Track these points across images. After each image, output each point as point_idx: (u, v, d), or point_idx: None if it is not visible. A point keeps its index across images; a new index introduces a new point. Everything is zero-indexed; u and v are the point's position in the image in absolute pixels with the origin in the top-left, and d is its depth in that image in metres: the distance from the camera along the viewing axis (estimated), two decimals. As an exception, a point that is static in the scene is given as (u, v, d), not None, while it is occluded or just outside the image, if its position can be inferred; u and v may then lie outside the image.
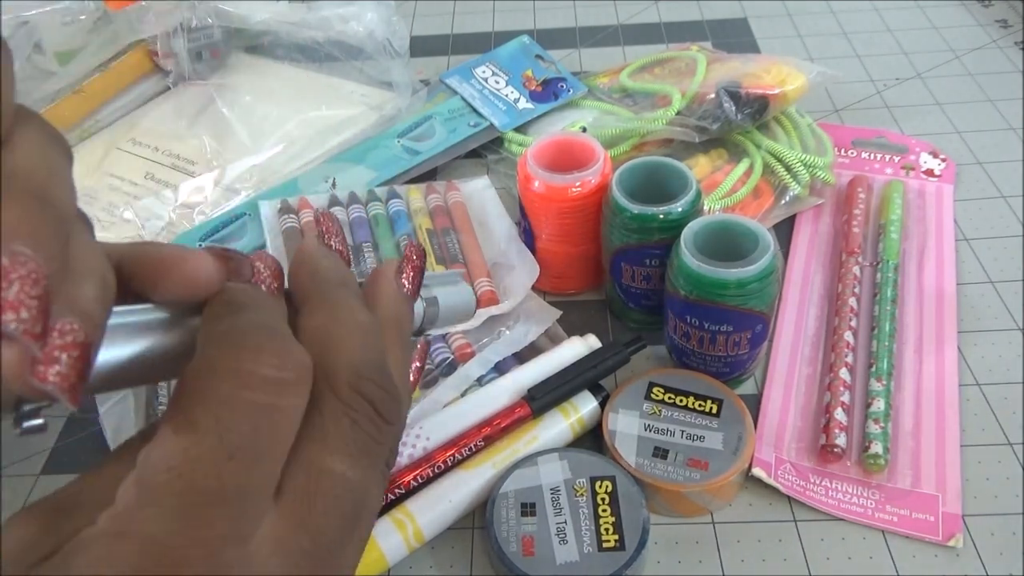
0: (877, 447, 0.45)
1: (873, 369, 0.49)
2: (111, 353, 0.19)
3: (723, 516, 0.44)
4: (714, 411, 0.46)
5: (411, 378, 0.26)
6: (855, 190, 0.60)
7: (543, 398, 0.46)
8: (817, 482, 0.45)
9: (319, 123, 0.69)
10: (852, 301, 0.53)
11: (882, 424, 0.46)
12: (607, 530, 0.41)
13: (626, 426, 0.45)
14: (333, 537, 0.19)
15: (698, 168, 0.61)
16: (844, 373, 0.48)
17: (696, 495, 0.43)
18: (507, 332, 0.52)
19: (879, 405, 0.47)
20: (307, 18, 0.71)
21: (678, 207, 0.48)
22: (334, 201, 0.61)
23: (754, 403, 0.49)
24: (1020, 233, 0.58)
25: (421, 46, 0.82)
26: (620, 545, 0.40)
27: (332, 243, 0.26)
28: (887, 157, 0.65)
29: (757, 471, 0.44)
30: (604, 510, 0.42)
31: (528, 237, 0.56)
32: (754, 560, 0.42)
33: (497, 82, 0.72)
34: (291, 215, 0.59)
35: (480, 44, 0.82)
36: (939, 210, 0.60)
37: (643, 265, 0.50)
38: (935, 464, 0.45)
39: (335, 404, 0.20)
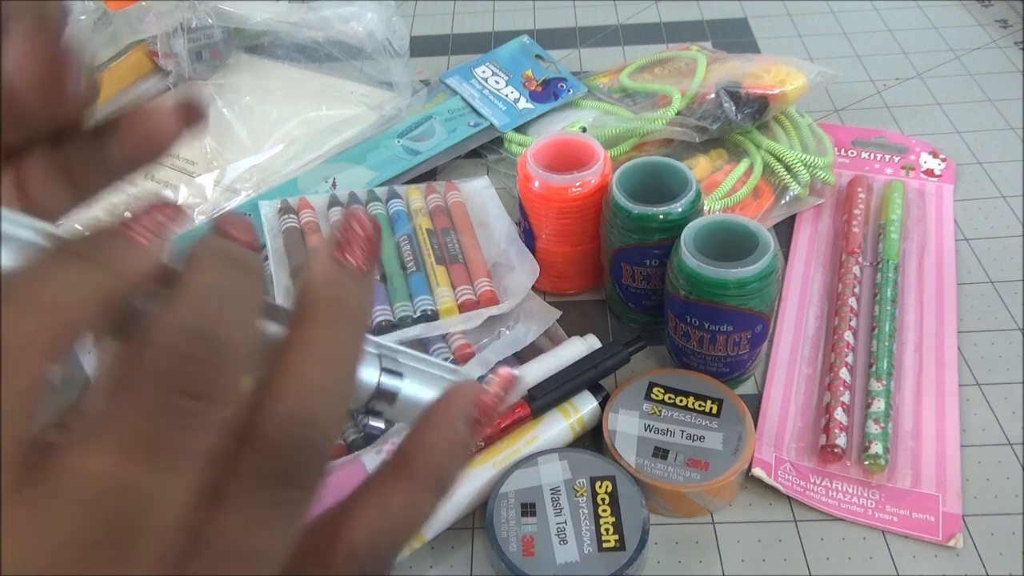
0: (877, 447, 0.45)
1: (873, 369, 0.49)
2: None
3: (723, 516, 0.44)
4: (714, 411, 0.46)
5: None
6: (855, 190, 0.60)
7: (543, 398, 0.46)
8: (817, 482, 0.45)
9: (319, 123, 0.69)
10: (852, 301, 0.53)
11: (882, 424, 0.46)
12: (607, 530, 0.41)
13: (626, 426, 0.45)
14: (63, 560, 0.14)
15: (698, 168, 0.61)
16: (844, 373, 0.48)
17: (696, 495, 0.43)
18: (507, 332, 0.52)
19: (879, 405, 0.47)
20: (307, 18, 0.71)
21: (678, 207, 0.48)
22: (334, 201, 0.61)
23: (754, 403, 0.49)
24: (1020, 233, 0.58)
25: (421, 46, 0.82)
26: (620, 545, 0.40)
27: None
28: (887, 157, 0.65)
29: (757, 471, 0.44)
30: (604, 510, 0.42)
31: (528, 237, 0.56)
32: (754, 560, 0.42)
33: (497, 82, 0.72)
34: (291, 215, 0.59)
35: (480, 44, 0.82)
36: (939, 210, 0.60)
37: (643, 265, 0.50)
38: (935, 464, 0.45)
39: (124, 378, 0.16)
